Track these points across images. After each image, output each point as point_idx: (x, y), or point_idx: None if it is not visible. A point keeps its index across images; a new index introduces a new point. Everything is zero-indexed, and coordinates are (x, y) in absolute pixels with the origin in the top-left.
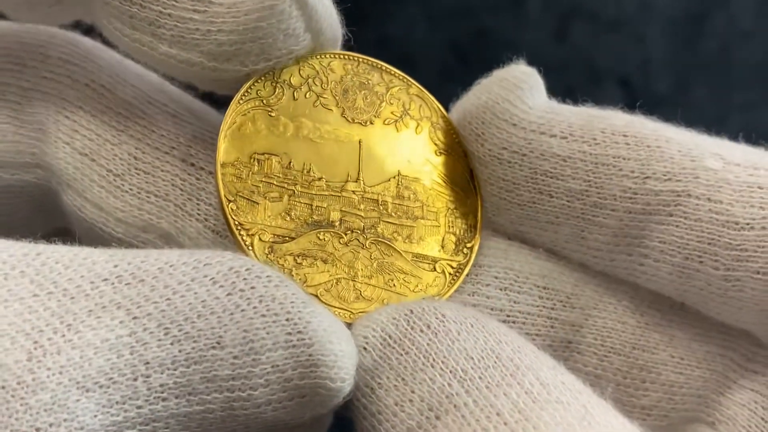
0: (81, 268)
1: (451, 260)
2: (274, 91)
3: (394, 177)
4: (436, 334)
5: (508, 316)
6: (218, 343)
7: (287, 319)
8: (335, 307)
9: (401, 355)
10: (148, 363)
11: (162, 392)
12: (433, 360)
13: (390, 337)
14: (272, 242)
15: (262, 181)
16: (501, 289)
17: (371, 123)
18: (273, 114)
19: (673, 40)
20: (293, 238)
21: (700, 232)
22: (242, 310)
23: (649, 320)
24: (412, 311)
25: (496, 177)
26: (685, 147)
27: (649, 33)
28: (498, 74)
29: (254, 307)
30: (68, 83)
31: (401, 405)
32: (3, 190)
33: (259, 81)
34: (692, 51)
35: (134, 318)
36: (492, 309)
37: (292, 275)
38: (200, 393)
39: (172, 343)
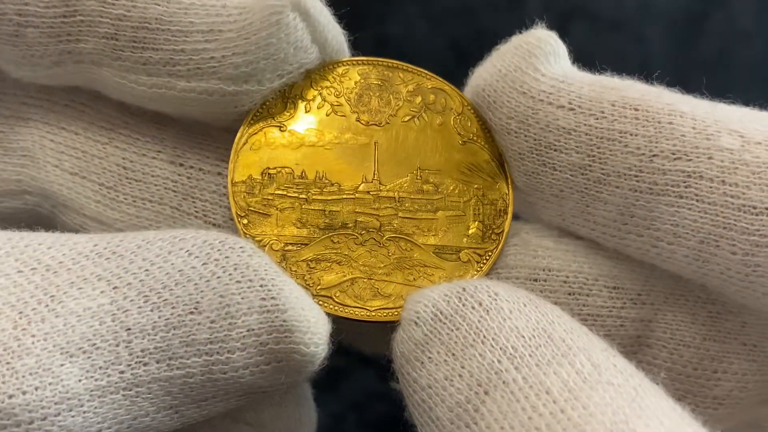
0: (63, 248)
1: (478, 248)
2: (286, 107)
3: (413, 172)
4: (487, 311)
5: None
6: (196, 308)
7: (261, 286)
8: (350, 306)
9: (452, 330)
10: (129, 329)
11: (143, 357)
12: (484, 336)
13: (441, 312)
14: (284, 250)
15: (274, 193)
16: (569, 294)
17: (388, 123)
18: (284, 129)
19: (673, 40)
20: (306, 245)
21: (714, 216)
22: (218, 277)
23: (721, 308)
24: (464, 289)
25: (505, 147)
26: (700, 123)
27: (649, 33)
28: (515, 40)
29: (229, 275)
30: (48, 106)
31: (451, 379)
32: None
33: (270, 100)
34: (692, 51)
35: (115, 288)
36: None
37: (305, 280)
38: (180, 357)
39: (152, 310)
